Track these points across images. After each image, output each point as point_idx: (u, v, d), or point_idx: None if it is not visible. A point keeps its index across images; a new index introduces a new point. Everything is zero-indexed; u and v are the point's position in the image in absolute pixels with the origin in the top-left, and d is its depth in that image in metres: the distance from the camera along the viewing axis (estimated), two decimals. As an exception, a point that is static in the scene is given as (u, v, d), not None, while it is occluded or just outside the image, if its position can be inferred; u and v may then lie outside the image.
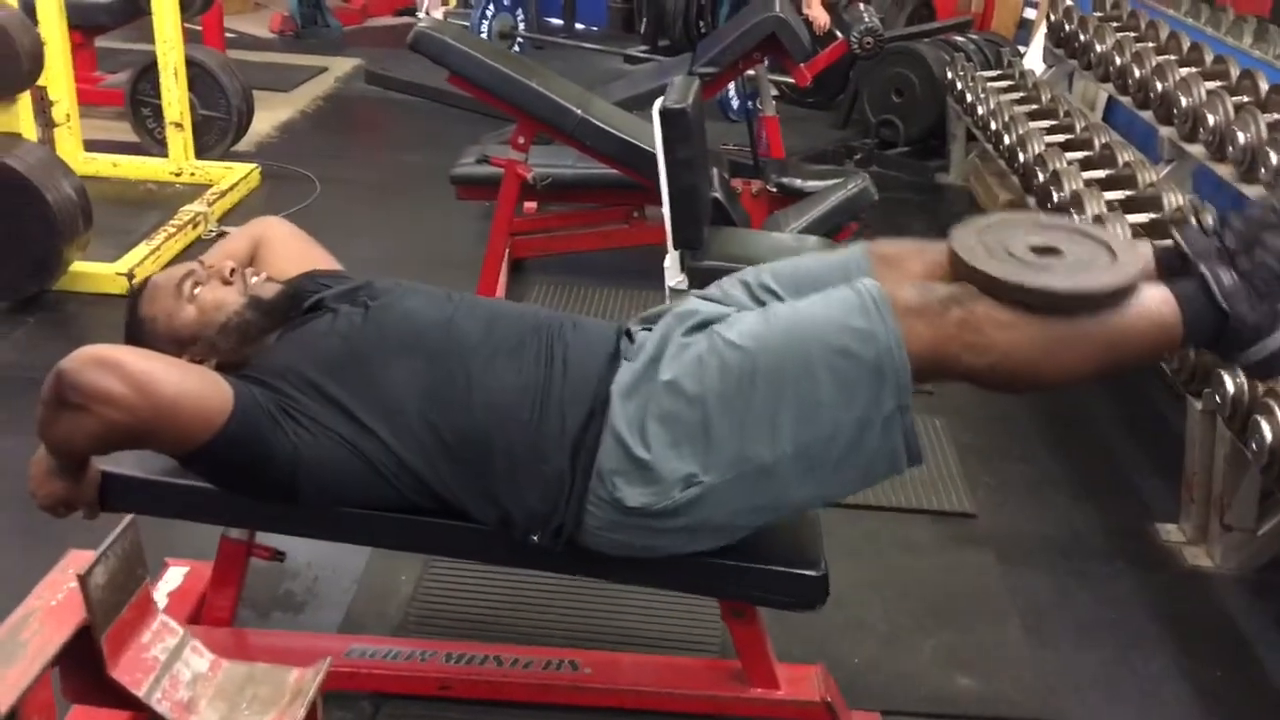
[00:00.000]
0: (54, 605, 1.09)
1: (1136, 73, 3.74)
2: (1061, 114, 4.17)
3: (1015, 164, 4.01)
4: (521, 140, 3.11)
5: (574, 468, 1.70)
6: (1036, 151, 3.80)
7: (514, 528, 1.75)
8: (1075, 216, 3.15)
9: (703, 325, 1.75)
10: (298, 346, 1.77)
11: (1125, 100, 3.90)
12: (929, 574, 2.57)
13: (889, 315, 1.61)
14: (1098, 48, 4.19)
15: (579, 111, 3.00)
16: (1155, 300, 1.65)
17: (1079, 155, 3.73)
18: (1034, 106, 4.37)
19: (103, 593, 1.09)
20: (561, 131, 3.04)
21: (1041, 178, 3.62)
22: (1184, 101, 3.33)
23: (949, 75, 5.12)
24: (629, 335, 1.85)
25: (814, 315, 1.66)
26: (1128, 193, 3.32)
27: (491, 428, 1.71)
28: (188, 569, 2.26)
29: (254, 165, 4.70)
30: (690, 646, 2.26)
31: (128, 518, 1.20)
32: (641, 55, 6.48)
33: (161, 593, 2.21)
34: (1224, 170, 3.09)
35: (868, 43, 4.83)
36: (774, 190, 3.85)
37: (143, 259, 3.72)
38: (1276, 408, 2.30)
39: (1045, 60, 5.00)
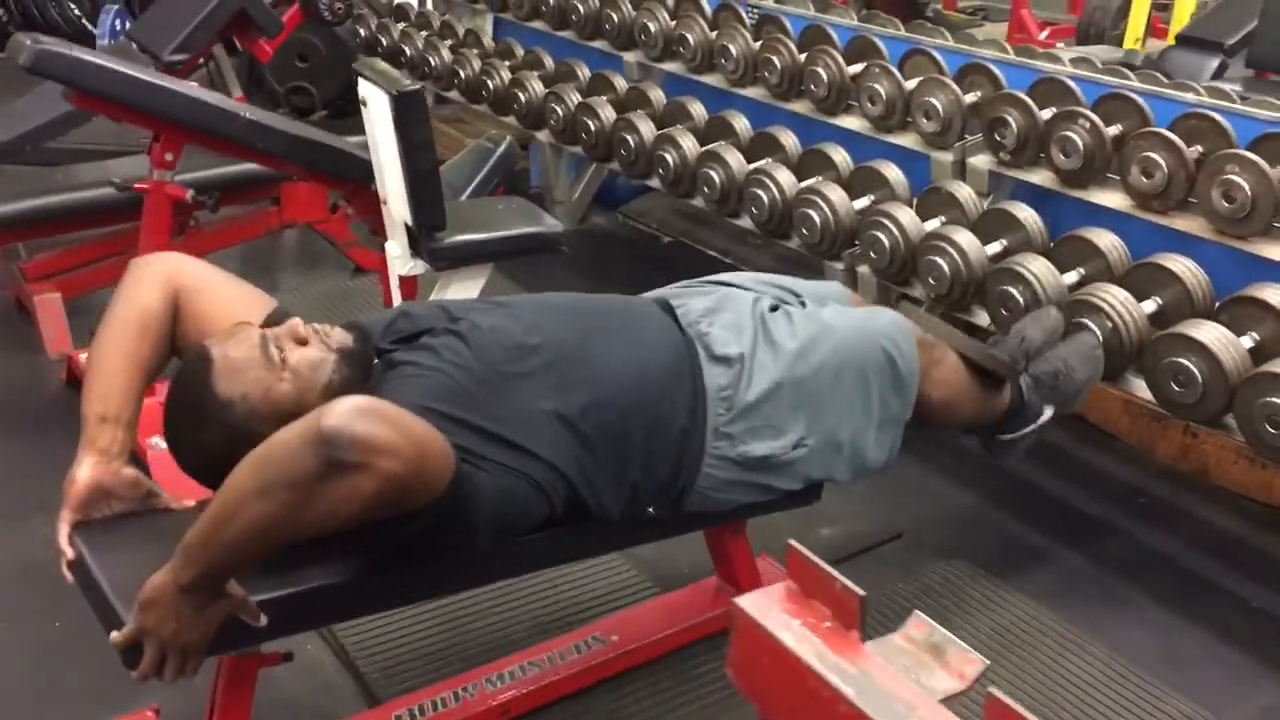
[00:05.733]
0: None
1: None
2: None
3: (516, 105, 4.21)
4: (169, 157, 2.68)
5: (692, 426, 1.78)
6: (536, 93, 4.06)
7: (636, 505, 1.78)
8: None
9: (776, 307, 1.94)
10: (411, 391, 1.58)
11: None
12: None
13: (913, 341, 1.96)
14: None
15: (245, 114, 2.68)
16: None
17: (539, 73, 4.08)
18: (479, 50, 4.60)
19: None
20: (228, 139, 2.68)
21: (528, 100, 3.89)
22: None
23: (367, 34, 5.09)
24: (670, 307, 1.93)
25: (873, 325, 1.95)
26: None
27: (623, 409, 1.73)
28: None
29: None
30: (639, 593, 2.36)
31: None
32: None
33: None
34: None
35: (339, 7, 4.67)
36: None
37: None
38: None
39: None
